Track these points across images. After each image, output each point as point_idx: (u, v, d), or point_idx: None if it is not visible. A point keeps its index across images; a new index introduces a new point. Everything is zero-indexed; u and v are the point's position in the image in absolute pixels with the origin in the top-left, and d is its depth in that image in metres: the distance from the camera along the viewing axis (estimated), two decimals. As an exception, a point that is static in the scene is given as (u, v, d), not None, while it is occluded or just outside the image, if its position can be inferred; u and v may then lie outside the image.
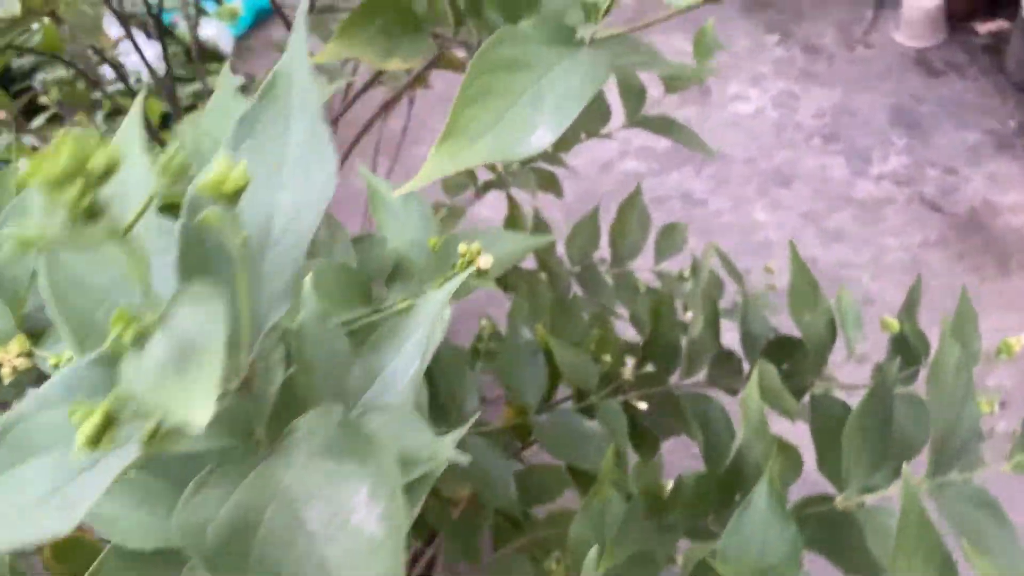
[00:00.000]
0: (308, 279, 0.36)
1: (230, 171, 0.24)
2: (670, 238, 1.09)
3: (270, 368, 0.30)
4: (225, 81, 0.47)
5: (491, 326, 0.89)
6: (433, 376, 0.67)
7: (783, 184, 1.94)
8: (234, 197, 0.24)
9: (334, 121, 0.80)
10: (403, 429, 0.31)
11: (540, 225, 1.02)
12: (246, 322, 0.26)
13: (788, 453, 0.54)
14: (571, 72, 0.38)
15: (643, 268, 1.12)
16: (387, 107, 0.90)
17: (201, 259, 0.26)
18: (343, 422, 0.30)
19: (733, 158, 2.01)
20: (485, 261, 0.41)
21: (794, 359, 0.69)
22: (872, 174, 1.93)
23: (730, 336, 0.99)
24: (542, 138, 0.37)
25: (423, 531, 0.75)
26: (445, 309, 0.38)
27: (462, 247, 0.41)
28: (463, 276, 0.37)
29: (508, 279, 1.02)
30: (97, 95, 1.19)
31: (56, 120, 1.38)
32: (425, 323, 0.36)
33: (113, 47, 0.77)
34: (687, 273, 1.11)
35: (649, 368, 0.78)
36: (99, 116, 1.33)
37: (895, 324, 0.64)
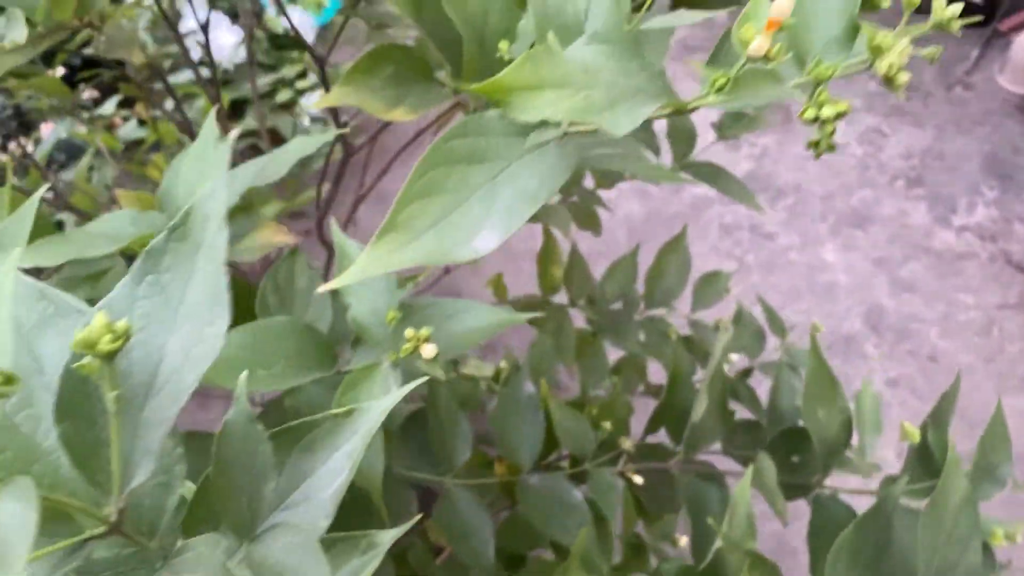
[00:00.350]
0: (243, 378, 0.34)
1: (105, 331, 0.23)
2: (711, 287, 1.04)
3: (156, 497, 0.29)
4: (207, 130, 0.46)
5: (511, 366, 0.86)
6: (427, 421, 0.65)
7: (858, 225, 1.86)
8: (110, 356, 0.23)
9: (349, 154, 0.79)
10: (302, 563, 0.30)
11: (576, 260, 0.99)
12: (117, 471, 0.25)
13: (765, 568, 0.50)
14: (531, 169, 0.35)
15: (680, 314, 1.08)
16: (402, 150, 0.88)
17: (76, 405, 0.25)
18: (230, 556, 0.29)
19: (810, 192, 1.94)
20: (428, 351, 0.38)
21: (806, 452, 0.65)
22: (955, 224, 1.83)
23: (762, 389, 0.94)
24: (486, 241, 0.35)
25: (407, 574, 0.73)
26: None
27: (409, 332, 0.39)
28: (406, 389, 0.35)
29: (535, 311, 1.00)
30: (158, 85, 1.21)
31: (127, 104, 1.42)
32: (362, 434, 0.34)
33: (143, 67, 0.77)
34: (727, 323, 1.07)
35: (660, 434, 0.75)
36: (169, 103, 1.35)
37: (915, 434, 0.59)
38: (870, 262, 1.80)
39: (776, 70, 0.30)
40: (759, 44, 0.26)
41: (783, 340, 1.10)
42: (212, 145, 0.45)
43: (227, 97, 1.47)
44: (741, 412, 0.87)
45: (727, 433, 0.78)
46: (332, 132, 0.53)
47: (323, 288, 0.33)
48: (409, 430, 0.68)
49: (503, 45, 0.40)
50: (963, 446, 0.49)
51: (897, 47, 0.27)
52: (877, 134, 2.02)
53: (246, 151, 1.53)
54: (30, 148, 1.25)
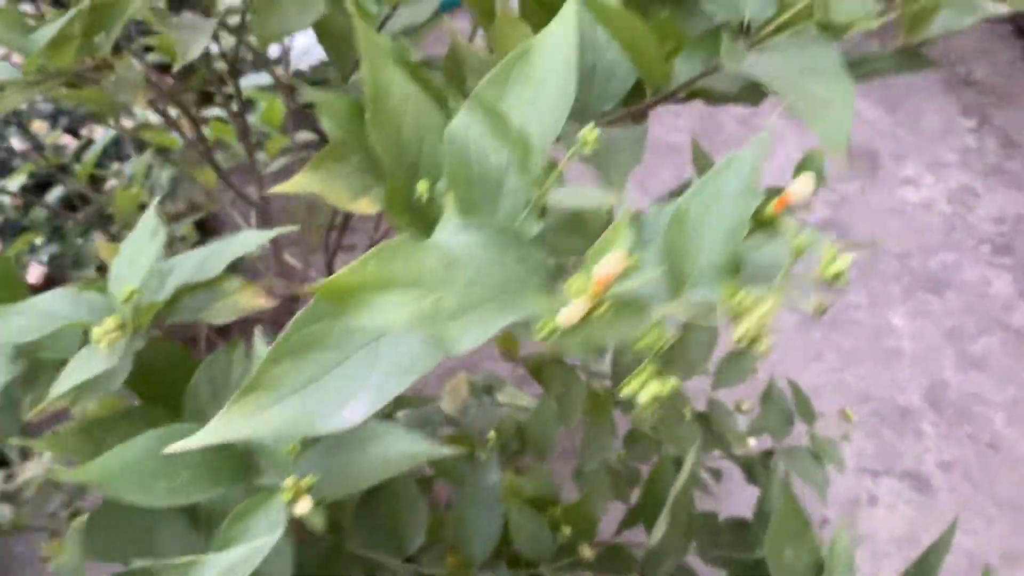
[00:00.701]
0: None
1: None
2: (737, 365, 0.99)
3: None
4: (146, 222, 0.45)
5: (510, 430, 0.84)
6: (376, 505, 0.64)
7: (934, 290, 1.76)
8: None
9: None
10: None
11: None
12: None
13: None
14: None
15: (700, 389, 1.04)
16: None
17: None
18: None
19: (886, 249, 1.84)
20: (303, 507, 0.37)
21: None
22: (1040, 301, 1.71)
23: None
24: (355, 412, 0.33)
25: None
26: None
27: (289, 481, 0.38)
28: (265, 544, 0.34)
29: (543, 371, 0.97)
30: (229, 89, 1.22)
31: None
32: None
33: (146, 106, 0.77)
34: (748, 405, 1.02)
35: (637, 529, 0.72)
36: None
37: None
38: (941, 332, 1.69)
39: (641, 299, 0.27)
40: (572, 311, 0.23)
41: (810, 427, 1.05)
42: (148, 237, 0.45)
43: (279, 108, 1.48)
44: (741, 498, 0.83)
45: (709, 535, 0.75)
46: (278, 230, 0.51)
47: (170, 449, 0.31)
48: (370, 504, 0.67)
49: (422, 186, 0.38)
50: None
51: (759, 309, 0.24)
52: (969, 193, 1.90)
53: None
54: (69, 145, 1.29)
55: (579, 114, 0.51)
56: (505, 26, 0.47)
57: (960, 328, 1.69)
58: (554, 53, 0.36)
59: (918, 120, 2.06)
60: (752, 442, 0.98)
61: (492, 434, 0.82)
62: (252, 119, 1.43)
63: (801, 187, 0.29)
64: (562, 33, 0.36)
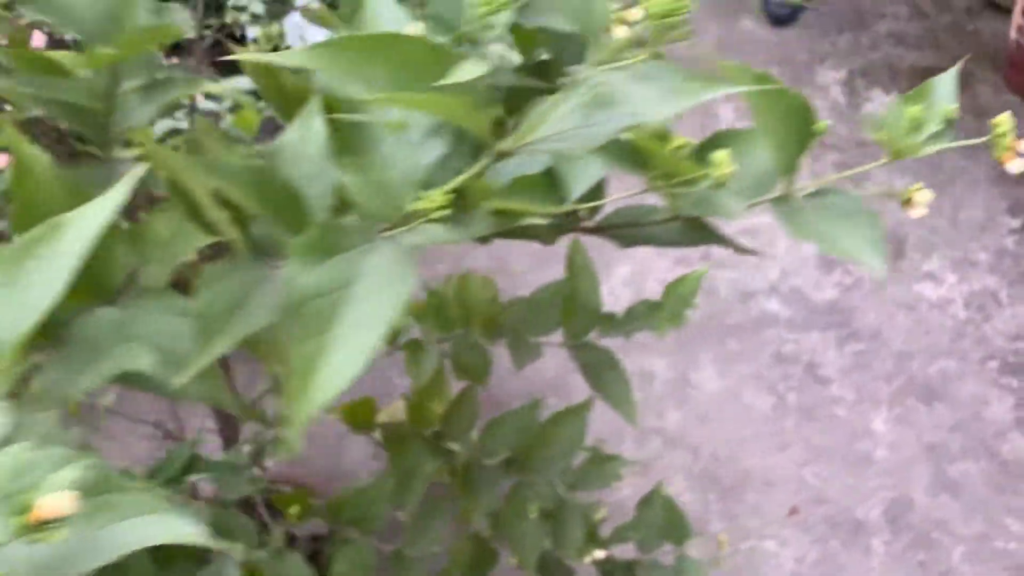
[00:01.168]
0: None
1: None
2: (600, 469, 0.94)
3: None
4: None
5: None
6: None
7: (925, 399, 1.64)
8: None
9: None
10: None
11: (467, 401, 0.92)
12: None
13: None
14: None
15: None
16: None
17: None
18: None
19: (887, 344, 1.73)
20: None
21: None
22: (1038, 433, 1.58)
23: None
24: None
25: None
26: None
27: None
28: None
29: (397, 443, 0.94)
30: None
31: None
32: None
33: None
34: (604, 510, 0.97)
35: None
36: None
37: None
38: (921, 446, 1.58)
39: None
40: None
41: (677, 547, 0.98)
42: None
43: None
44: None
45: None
46: None
47: None
48: None
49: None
50: None
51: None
52: (991, 300, 1.77)
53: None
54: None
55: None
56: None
57: (943, 446, 1.58)
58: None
59: (958, 210, 1.92)
60: (600, 554, 0.93)
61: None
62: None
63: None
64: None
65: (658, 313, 0.83)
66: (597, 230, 0.55)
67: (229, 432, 0.99)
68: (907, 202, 0.49)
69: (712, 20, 2.48)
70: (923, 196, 0.47)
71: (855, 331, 1.76)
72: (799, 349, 1.75)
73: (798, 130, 0.47)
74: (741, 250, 0.57)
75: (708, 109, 2.25)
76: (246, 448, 0.83)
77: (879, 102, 2.20)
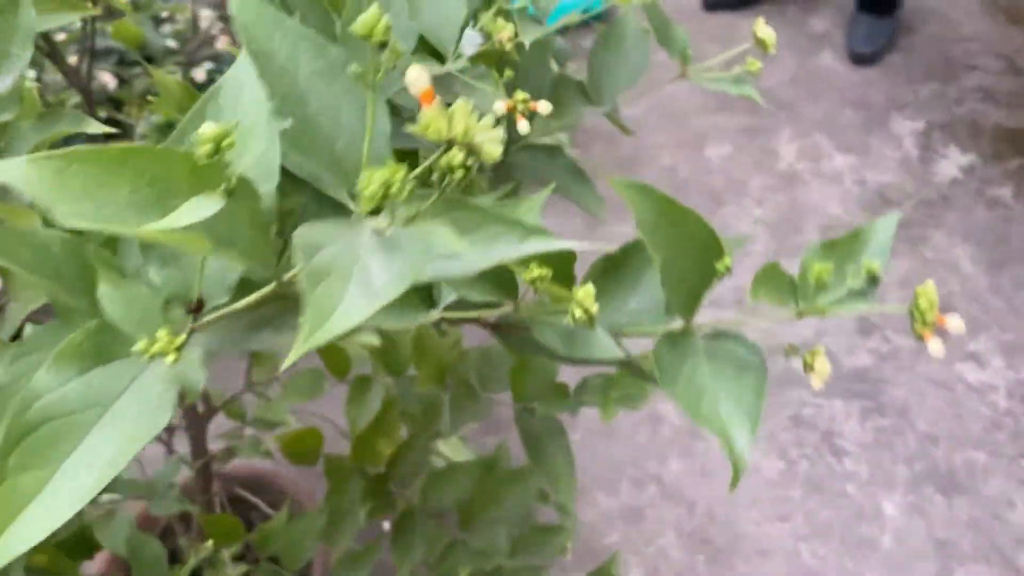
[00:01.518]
0: None
1: None
2: (543, 541, 0.89)
3: None
4: None
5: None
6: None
7: (944, 490, 1.53)
8: None
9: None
10: None
11: (414, 448, 0.88)
12: None
13: None
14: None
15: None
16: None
17: None
18: None
19: (913, 424, 1.62)
20: None
21: None
22: (1061, 547, 1.45)
23: None
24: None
25: None
26: None
27: None
28: None
29: (338, 476, 0.91)
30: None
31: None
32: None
33: None
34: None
35: None
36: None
37: None
38: (931, 541, 1.48)
39: None
40: None
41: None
42: None
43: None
44: None
45: None
46: None
47: None
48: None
49: None
50: None
51: None
52: (1038, 393, 1.64)
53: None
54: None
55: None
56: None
57: (955, 544, 1.47)
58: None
59: (1018, 291, 1.79)
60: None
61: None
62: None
63: None
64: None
65: (610, 390, 0.78)
66: (495, 327, 0.50)
67: (195, 431, 0.98)
68: (808, 367, 0.42)
69: (791, 53, 2.36)
70: (822, 365, 0.40)
71: (882, 404, 1.66)
72: (819, 415, 1.66)
73: (700, 265, 0.41)
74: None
75: (767, 147, 2.15)
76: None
77: (954, 161, 2.06)
